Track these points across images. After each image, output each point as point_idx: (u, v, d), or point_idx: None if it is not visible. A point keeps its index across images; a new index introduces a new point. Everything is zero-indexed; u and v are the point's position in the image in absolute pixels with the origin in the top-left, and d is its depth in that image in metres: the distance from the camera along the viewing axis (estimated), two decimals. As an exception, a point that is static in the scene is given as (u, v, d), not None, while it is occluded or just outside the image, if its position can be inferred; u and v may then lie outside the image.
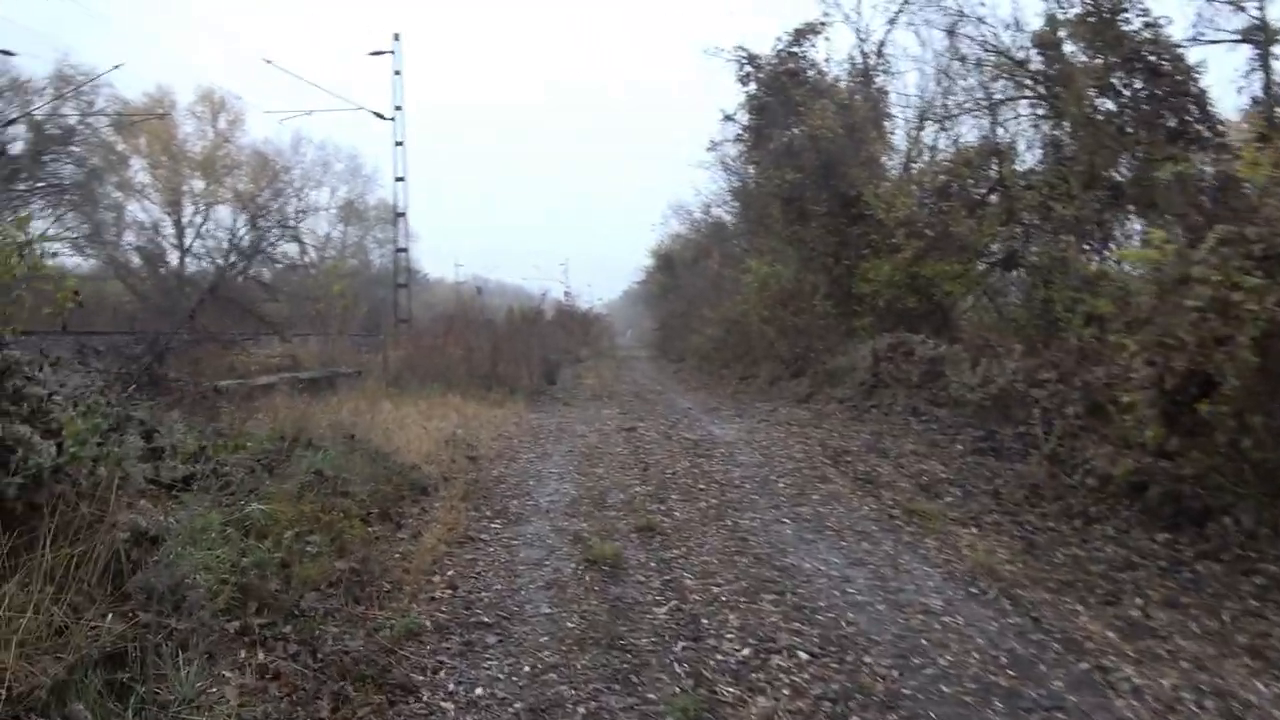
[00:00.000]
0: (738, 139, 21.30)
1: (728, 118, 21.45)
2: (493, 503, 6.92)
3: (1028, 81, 14.96)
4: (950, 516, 6.38)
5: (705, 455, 8.94)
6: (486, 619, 4.52)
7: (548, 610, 4.65)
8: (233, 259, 45.64)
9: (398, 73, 25.08)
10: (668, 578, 5.16)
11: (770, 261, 21.00)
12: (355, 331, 23.17)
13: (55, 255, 36.15)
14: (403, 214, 27.25)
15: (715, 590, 4.93)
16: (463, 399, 13.75)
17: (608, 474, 8.07)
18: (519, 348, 19.33)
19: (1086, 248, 13.81)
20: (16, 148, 33.46)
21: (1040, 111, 15.42)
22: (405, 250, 27.86)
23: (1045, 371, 8.43)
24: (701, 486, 7.52)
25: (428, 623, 4.40)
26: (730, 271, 26.59)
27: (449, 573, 5.24)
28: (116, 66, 33.11)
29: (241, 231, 46.60)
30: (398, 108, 25.49)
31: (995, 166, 15.64)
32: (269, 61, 57.77)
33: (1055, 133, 15.03)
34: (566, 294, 56.83)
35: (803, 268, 19.28)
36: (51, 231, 36.63)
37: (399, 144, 25.82)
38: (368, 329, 25.60)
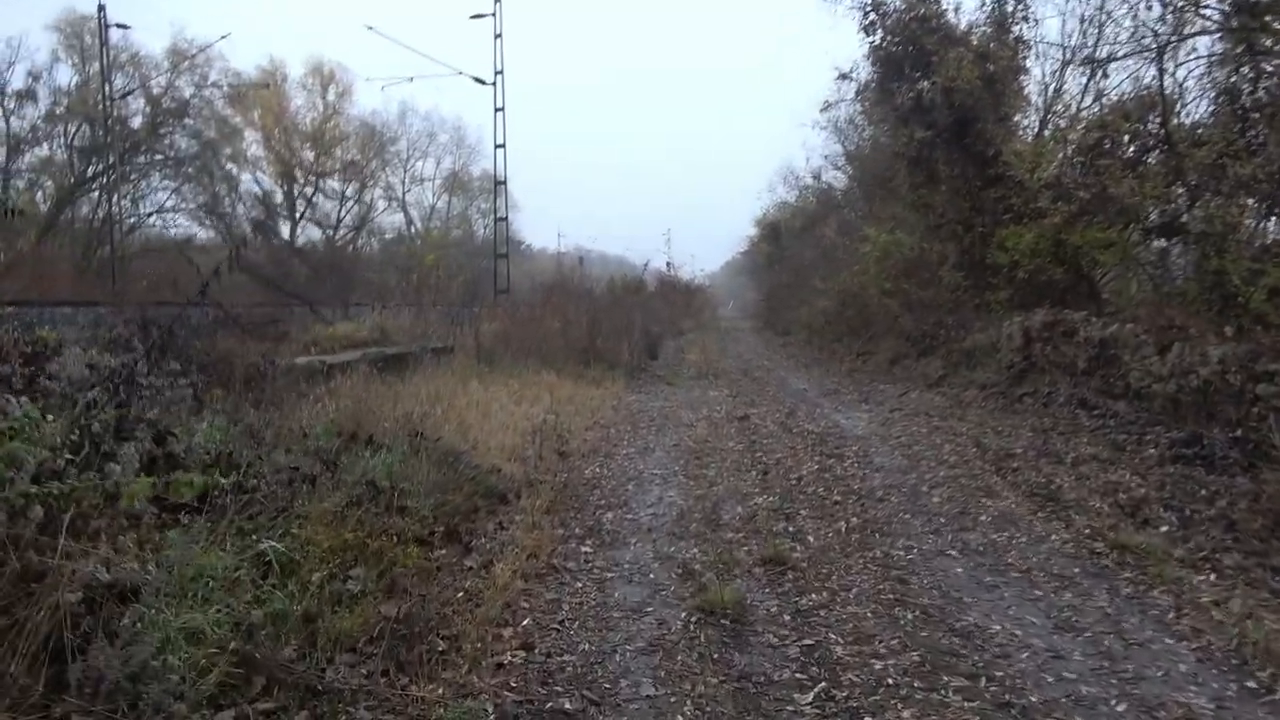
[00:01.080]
0: (858, 96, 19.55)
1: (843, 76, 19.78)
2: (584, 516, 5.70)
3: (1213, 13, 12.75)
4: (1174, 555, 4.82)
5: (835, 454, 7.53)
6: (568, 704, 3.29)
7: (651, 691, 3.39)
8: (341, 230, 46.16)
9: (498, 36, 24.02)
10: (809, 641, 3.82)
11: (891, 229, 19.20)
12: (454, 303, 22.47)
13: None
14: (503, 182, 26.39)
15: (876, 666, 3.57)
16: (558, 377, 12.63)
17: (720, 477, 6.77)
18: (619, 321, 18.16)
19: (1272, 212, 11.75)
20: (135, 121, 34.17)
21: (1220, 50, 13.21)
22: (505, 219, 27.02)
23: (1271, 362, 6.69)
24: (836, 498, 6.13)
25: (489, 708, 3.21)
26: (845, 240, 24.80)
27: (523, 622, 4.04)
28: (224, 37, 33.25)
29: (349, 202, 47.12)
30: (498, 72, 24.50)
31: (1158, 119, 13.52)
32: (371, 28, 57.92)
33: (1233, 80, 12.83)
34: (669, 265, 55.56)
35: (929, 236, 17.46)
36: (170, 203, 37.57)
37: (499, 110, 24.87)
38: (468, 300, 24.92)
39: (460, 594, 4.26)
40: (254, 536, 3.85)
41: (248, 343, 9.31)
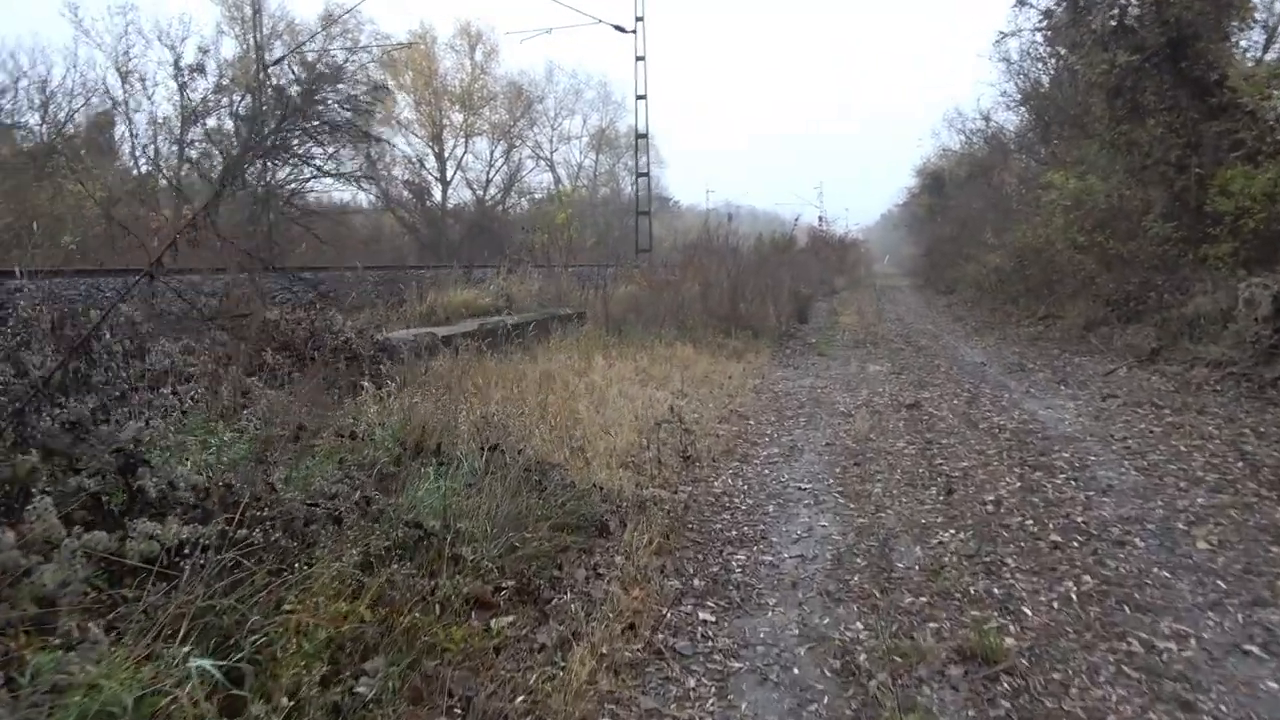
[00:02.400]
0: (1045, 19, 16.93)
1: (1021, 1, 17.34)
2: (706, 557, 4.28)
3: None
4: None
5: (1040, 464, 5.76)
6: None
7: None
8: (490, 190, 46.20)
9: (637, -23, 22.50)
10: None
11: (1081, 174, 16.57)
12: (591, 263, 21.38)
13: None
14: (644, 135, 24.96)
15: None
16: (694, 349, 11.20)
17: (889, 497, 5.18)
18: (765, 281, 16.49)
19: None
20: (292, 88, 34.81)
21: None
22: (647, 175, 25.62)
23: None
24: (1054, 537, 4.45)
25: None
26: (1021, 189, 22.02)
27: (602, 761, 2.71)
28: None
29: (498, 162, 47.08)
30: (638, 19, 23.03)
31: None
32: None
33: None
34: (821, 219, 53.00)
35: (1130, 180, 14.86)
36: (328, 168, 38.41)
37: (640, 59, 23.44)
38: (612, 260, 23.77)
39: (519, 700, 2.96)
40: (220, 624, 2.67)
41: (347, 315, 8.36)
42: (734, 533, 4.60)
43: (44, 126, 32.00)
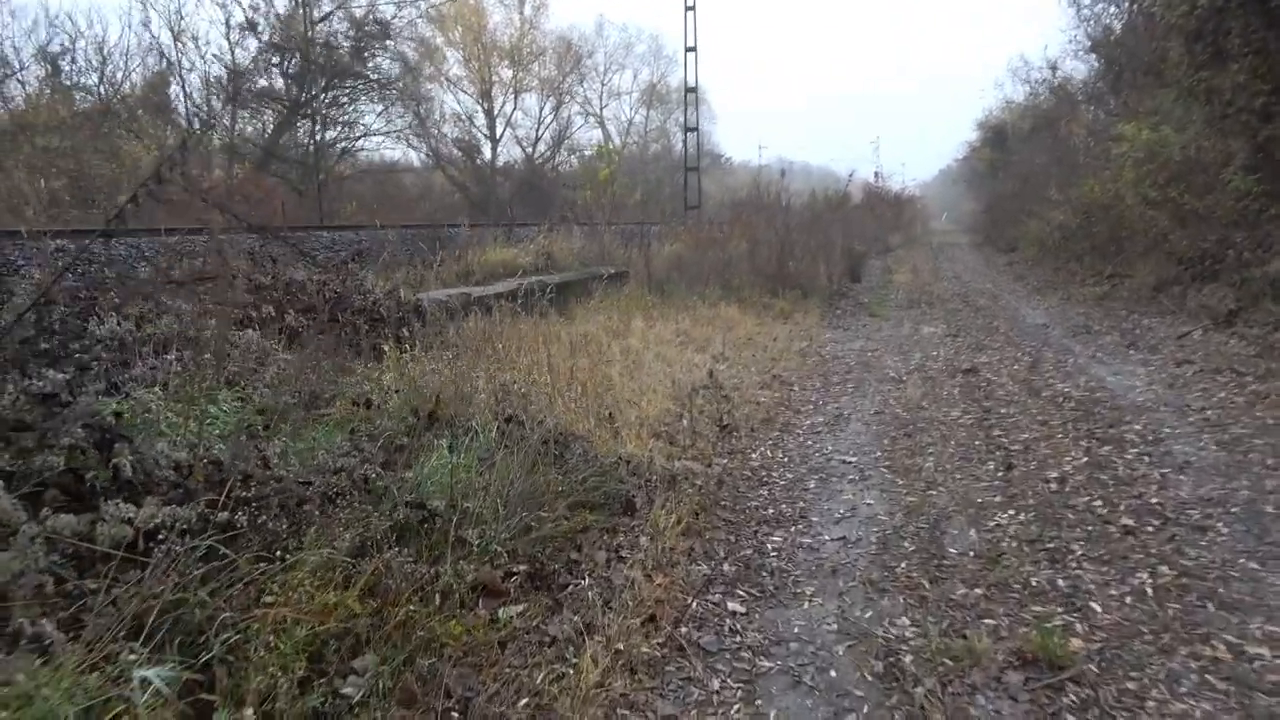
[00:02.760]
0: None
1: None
2: (739, 538, 3.94)
3: None
4: None
5: (1109, 437, 5.28)
6: None
7: None
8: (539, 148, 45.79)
9: (685, -78, 21.72)
10: None
11: (1155, 124, 15.59)
12: (641, 220, 20.90)
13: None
14: (693, 89, 24.26)
15: None
16: (740, 309, 10.79)
17: (941, 472, 4.77)
18: (816, 239, 15.89)
19: None
20: (343, 46, 34.62)
21: None
22: (696, 130, 24.96)
23: None
24: (1125, 521, 4.01)
25: None
26: (1088, 142, 20.94)
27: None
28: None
29: (547, 119, 46.59)
30: (686, -35, 22.27)
31: None
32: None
33: None
34: (876, 174, 51.63)
35: (1207, 130, 13.91)
36: (377, 126, 38.33)
37: (689, 8, 22.70)
38: (666, 216, 23.24)
39: (524, 700, 2.68)
40: (191, 619, 2.42)
41: (382, 274, 8.13)
42: (770, 511, 4.25)
43: (102, 87, 32.40)
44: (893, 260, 25.01)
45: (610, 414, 5.11)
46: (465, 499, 3.40)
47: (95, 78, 32.72)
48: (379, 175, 37.95)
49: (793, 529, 4.04)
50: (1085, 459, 4.88)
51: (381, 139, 38.52)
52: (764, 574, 3.57)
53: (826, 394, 6.65)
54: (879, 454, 5.08)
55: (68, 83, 31.91)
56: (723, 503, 4.30)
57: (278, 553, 2.78)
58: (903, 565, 3.63)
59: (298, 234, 13.02)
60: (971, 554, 3.71)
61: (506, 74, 44.11)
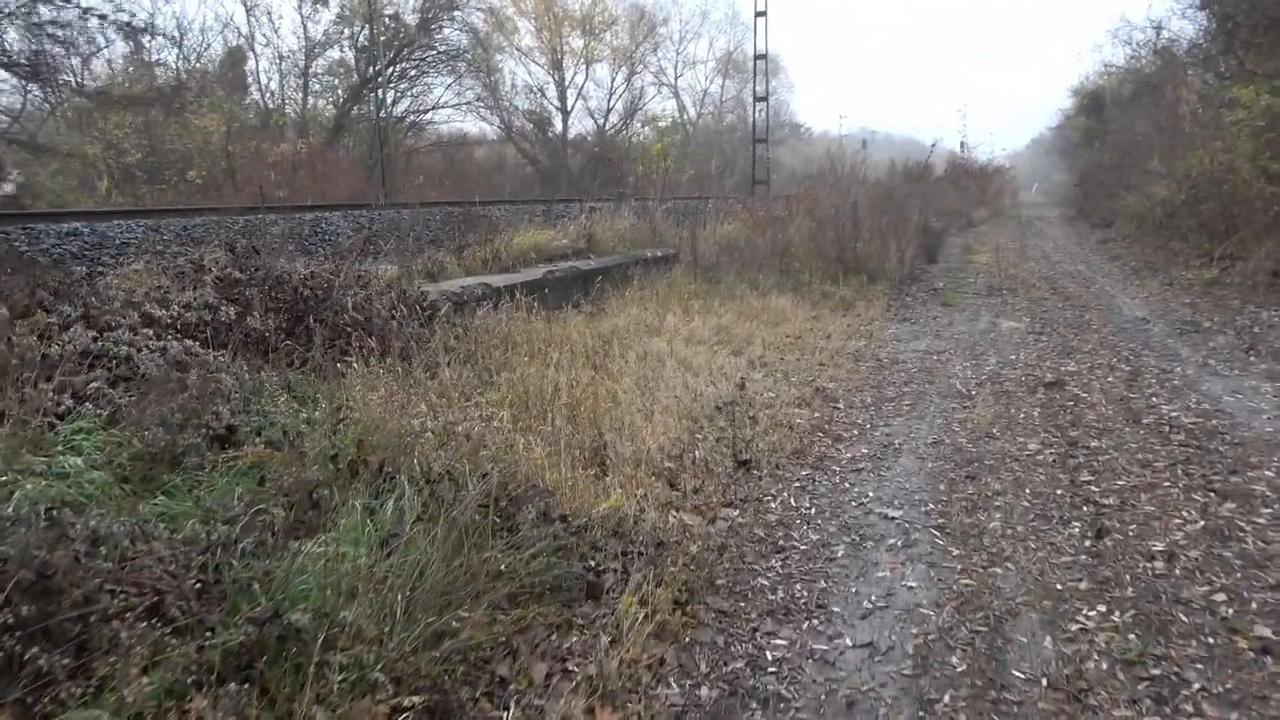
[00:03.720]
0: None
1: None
2: (732, 640, 2.97)
3: None
4: None
5: (1231, 491, 4.08)
6: None
7: None
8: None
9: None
10: None
11: (1276, 88, 13.77)
12: (705, 195, 19.82)
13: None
14: (763, 56, 22.90)
15: None
16: (795, 298, 9.71)
17: (1010, 538, 3.68)
18: (889, 217, 14.57)
19: None
20: (411, 18, 34.09)
21: None
22: (766, 99, 23.60)
23: None
24: (1261, 630, 2.93)
25: None
26: (1199, 108, 18.93)
27: None
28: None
29: (619, 90, 45.49)
30: (756, -78, 20.87)
31: None
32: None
33: None
34: (963, 145, 49.18)
35: (1341, 92, 12.17)
36: (446, 99, 37.84)
37: (758, -31, 21.33)
38: (716, 193, 22.07)
39: None
40: None
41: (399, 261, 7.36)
42: (780, 594, 3.28)
43: (180, 62, 32.63)
44: (975, 237, 23.34)
45: (600, 448, 4.20)
46: (347, 601, 2.54)
47: (173, 54, 32.99)
48: (450, 148, 37.52)
49: (805, 626, 3.06)
50: (1201, 523, 3.75)
51: (451, 112, 37.99)
52: (753, 705, 2.63)
53: (877, 414, 5.58)
54: (931, 506, 4.03)
55: (148, 60, 32.29)
56: (719, 581, 3.34)
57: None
58: (947, 698, 2.63)
59: (352, 211, 12.43)
60: (1044, 681, 2.69)
61: (578, 44, 43.10)
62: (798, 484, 4.30)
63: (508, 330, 6.31)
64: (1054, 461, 4.58)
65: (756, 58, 22.34)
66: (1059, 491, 4.16)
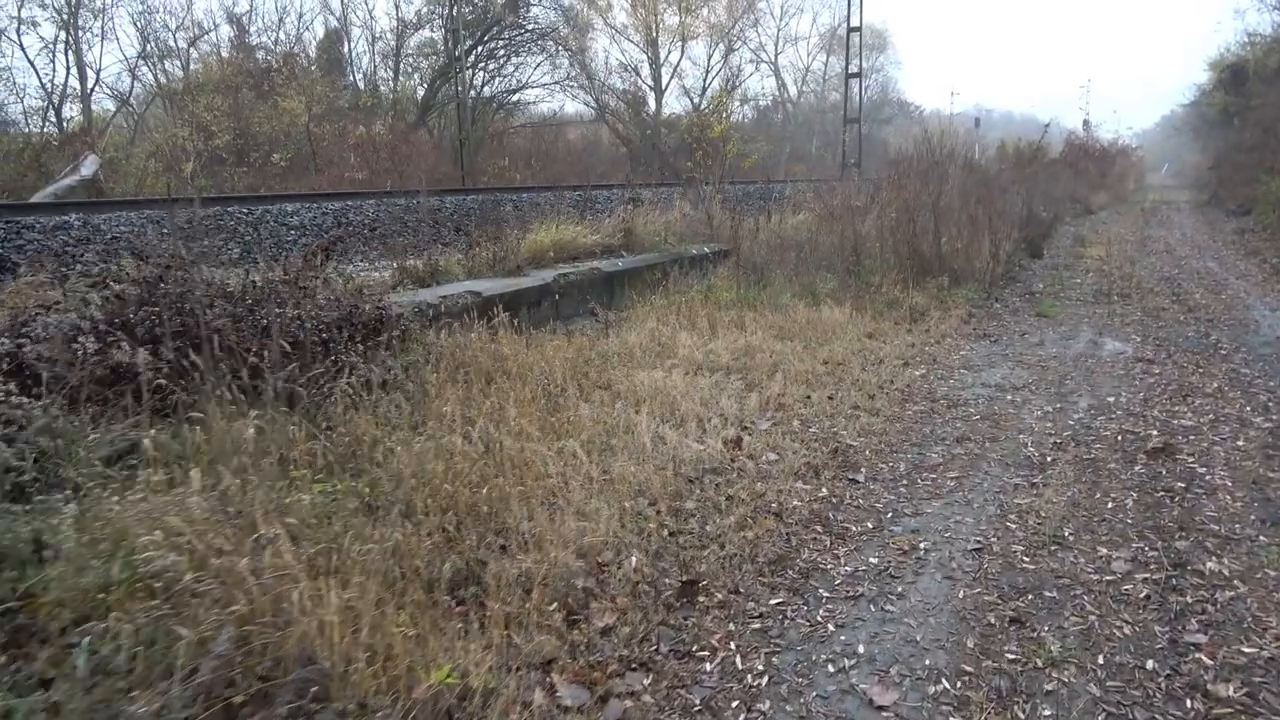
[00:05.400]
0: None
1: None
2: None
3: None
4: None
5: None
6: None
7: None
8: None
9: None
10: None
11: None
12: (766, 180, 18.20)
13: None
14: (857, 28, 20.98)
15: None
16: (853, 308, 8.22)
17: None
18: (986, 207, 12.71)
19: None
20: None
21: None
22: (859, 75, 21.67)
23: None
24: None
25: None
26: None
27: None
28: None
29: (716, 67, 43.70)
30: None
31: None
32: None
33: None
34: (1086, 123, 45.51)
35: None
36: (538, 78, 36.85)
37: (853, -66, 19.45)
38: (788, 176, 20.32)
39: None
40: None
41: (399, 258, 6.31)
42: None
43: (279, 46, 32.80)
44: (1091, 226, 20.91)
45: (475, 570, 2.98)
46: None
47: (272, 37, 33.16)
48: (541, 129, 36.57)
49: None
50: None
51: (541, 91, 37.03)
52: None
53: (907, 492, 4.14)
54: (946, 685, 2.65)
55: (250, 44, 32.56)
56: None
57: None
58: None
59: (388, 198, 11.56)
60: None
61: (673, 21, 41.44)
62: (757, 624, 2.96)
63: (465, 357, 5.15)
64: (1148, 598, 3.10)
65: (850, 30, 20.46)
66: (1151, 665, 2.70)
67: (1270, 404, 5.40)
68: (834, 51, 50.58)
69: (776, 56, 47.60)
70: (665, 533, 3.46)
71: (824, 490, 4.05)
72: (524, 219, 9.08)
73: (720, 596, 3.10)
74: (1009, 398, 5.70)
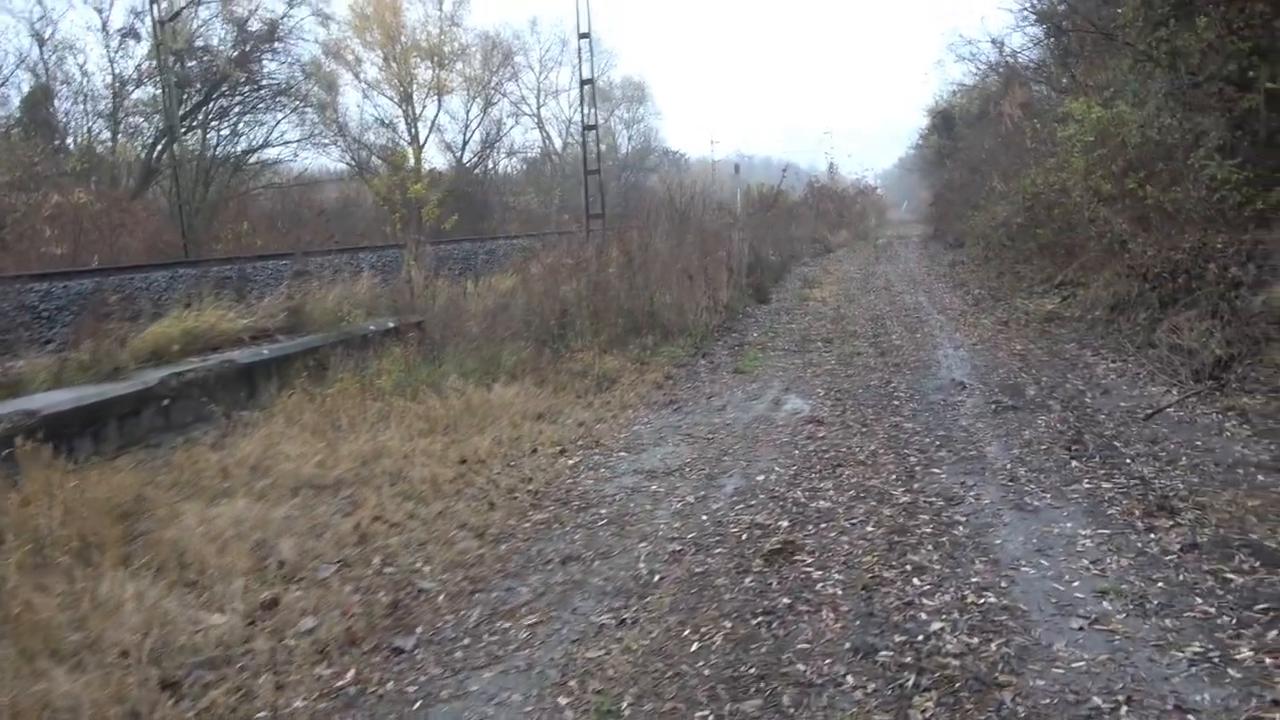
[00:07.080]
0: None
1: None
2: None
3: None
4: None
5: None
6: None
7: None
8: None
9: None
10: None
11: (1107, 99, 12.37)
12: (530, 233, 17.49)
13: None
14: (589, 81, 20.87)
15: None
16: (533, 384, 7.46)
17: None
18: (698, 258, 12.50)
19: None
20: (228, 51, 30.61)
21: None
22: (594, 127, 21.59)
23: None
24: None
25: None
26: (1033, 123, 17.66)
27: None
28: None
29: (474, 121, 42.95)
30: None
31: None
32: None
33: None
34: (831, 166, 48.52)
35: (1171, 104, 10.72)
36: (282, 135, 34.30)
37: (577, -11, 19.33)
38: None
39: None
40: None
41: None
42: None
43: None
44: (824, 267, 21.76)
45: None
46: None
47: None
48: (293, 189, 34.03)
49: None
50: None
51: (287, 150, 34.45)
52: None
53: (463, 658, 3.16)
54: None
55: (-70, 104, 28.22)
56: None
57: None
58: None
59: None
60: None
61: (427, 75, 40.33)
62: None
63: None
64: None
65: (583, 83, 20.30)
66: None
67: (916, 468, 5.06)
68: (595, 104, 51.24)
69: (539, 109, 47.52)
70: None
71: (350, 673, 3.08)
72: (159, 304, 7.66)
73: None
74: (654, 488, 5.03)
